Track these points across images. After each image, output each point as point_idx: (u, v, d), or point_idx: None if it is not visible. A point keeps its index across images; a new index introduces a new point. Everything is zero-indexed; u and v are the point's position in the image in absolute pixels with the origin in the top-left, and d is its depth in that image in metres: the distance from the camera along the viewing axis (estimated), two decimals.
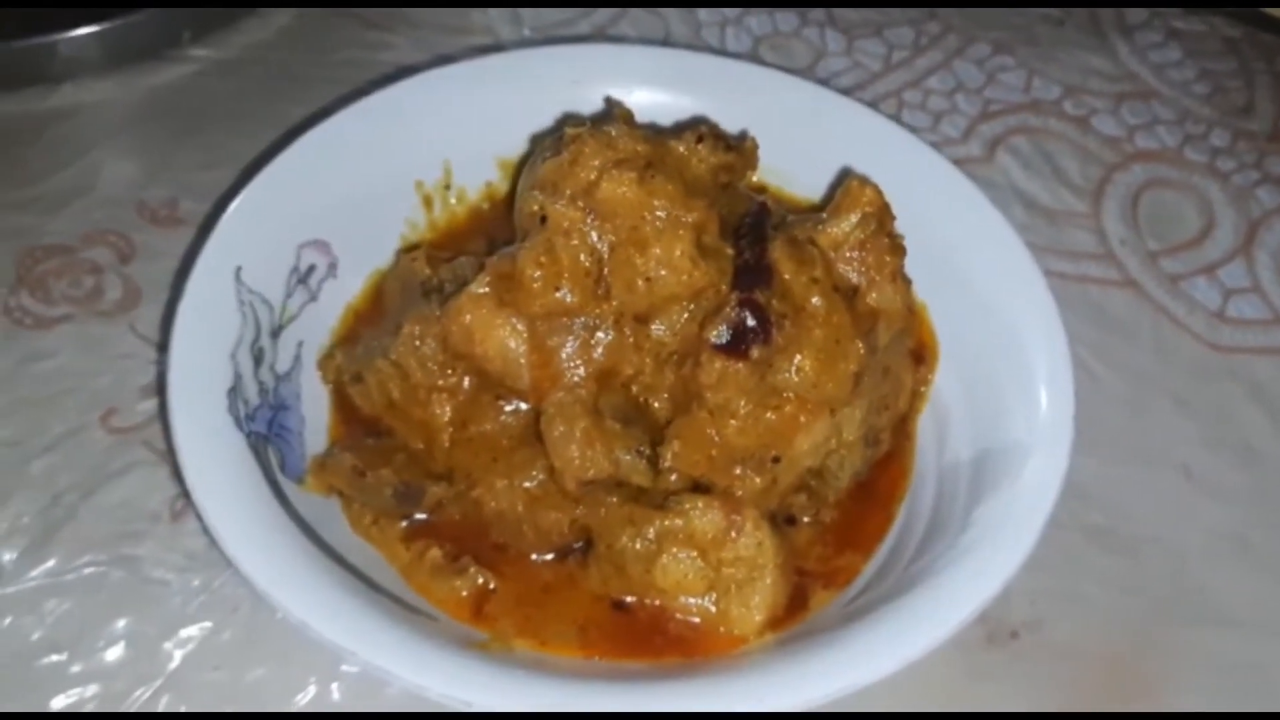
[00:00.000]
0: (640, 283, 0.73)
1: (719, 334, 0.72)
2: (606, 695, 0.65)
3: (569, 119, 0.82)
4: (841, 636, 0.68)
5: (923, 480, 0.82)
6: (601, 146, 0.74)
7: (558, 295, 0.73)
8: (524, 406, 0.77)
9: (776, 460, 0.75)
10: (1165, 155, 1.12)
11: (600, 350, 0.74)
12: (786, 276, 0.74)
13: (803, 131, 0.90)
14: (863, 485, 0.81)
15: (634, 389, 0.76)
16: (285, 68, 1.09)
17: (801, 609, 0.76)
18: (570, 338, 0.74)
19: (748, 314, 0.72)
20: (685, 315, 0.74)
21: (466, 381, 0.78)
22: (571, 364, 0.74)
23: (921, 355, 0.84)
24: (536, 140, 0.90)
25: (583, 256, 0.73)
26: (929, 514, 0.78)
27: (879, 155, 0.87)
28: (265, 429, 0.75)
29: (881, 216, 0.77)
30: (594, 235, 0.73)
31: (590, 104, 0.91)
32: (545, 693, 0.65)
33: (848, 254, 0.77)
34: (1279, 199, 1.10)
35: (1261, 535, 0.88)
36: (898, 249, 0.77)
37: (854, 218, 0.77)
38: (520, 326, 0.74)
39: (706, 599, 0.75)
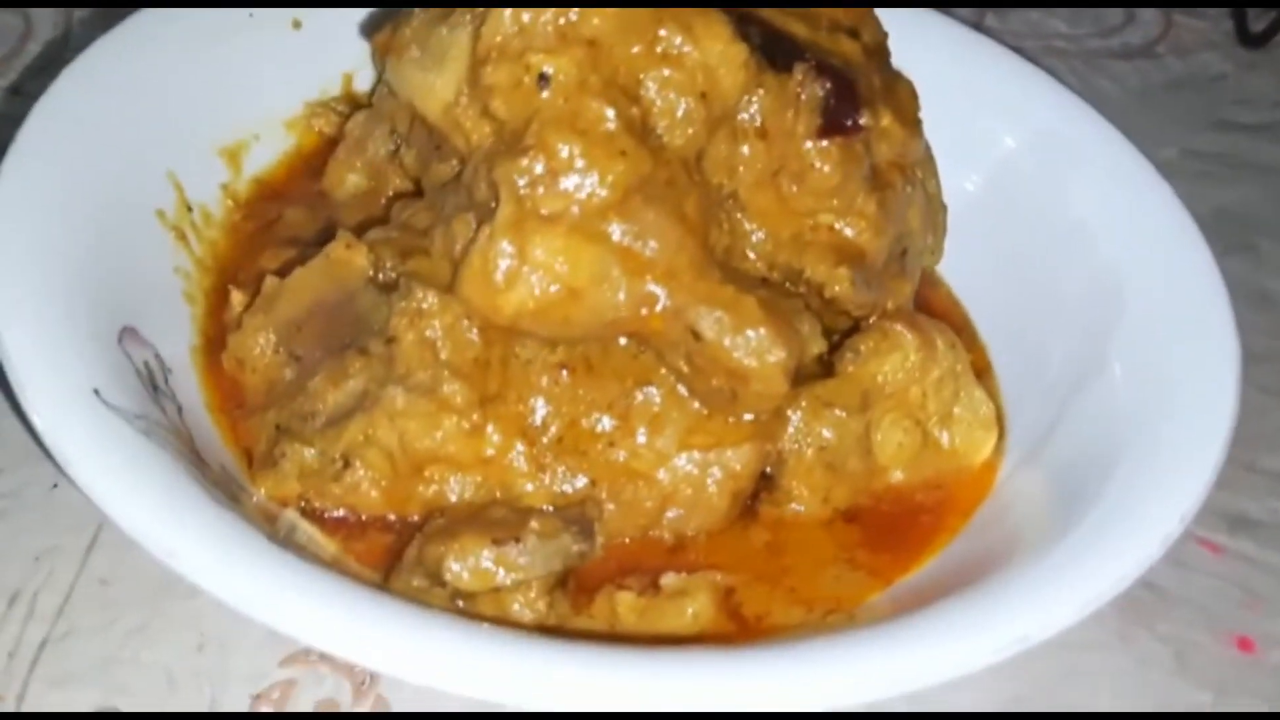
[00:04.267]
0: (692, 104, 0.53)
1: (817, 114, 0.55)
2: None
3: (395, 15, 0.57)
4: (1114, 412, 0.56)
5: None
6: None
7: (627, 162, 0.51)
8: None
9: (905, 253, 0.60)
10: None
11: (694, 216, 0.53)
12: (805, 37, 0.59)
13: None
14: None
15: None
16: None
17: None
18: (655, 214, 0.52)
19: (828, 81, 0.56)
20: (734, 137, 0.55)
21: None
22: (677, 251, 0.52)
23: None
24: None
25: (616, 107, 0.51)
26: None
27: None
28: None
29: None
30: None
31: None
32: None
33: None
34: None
35: None
36: None
37: None
38: (603, 228, 0.50)
39: (928, 451, 0.58)
